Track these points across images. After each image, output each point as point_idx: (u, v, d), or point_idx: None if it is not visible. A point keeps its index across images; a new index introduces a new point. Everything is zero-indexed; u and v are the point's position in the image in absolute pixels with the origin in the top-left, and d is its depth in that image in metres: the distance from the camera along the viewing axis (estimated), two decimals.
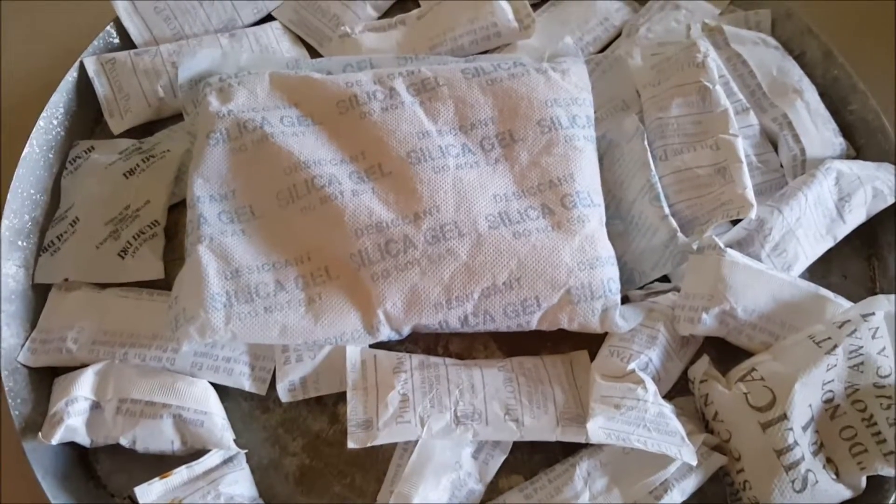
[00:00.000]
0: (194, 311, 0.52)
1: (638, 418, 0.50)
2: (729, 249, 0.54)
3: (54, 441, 0.51)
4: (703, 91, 0.60)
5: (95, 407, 0.52)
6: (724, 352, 0.56)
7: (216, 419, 0.52)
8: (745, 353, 0.55)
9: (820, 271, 0.60)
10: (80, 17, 0.74)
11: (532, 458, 0.54)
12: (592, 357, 0.55)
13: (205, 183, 0.57)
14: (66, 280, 0.58)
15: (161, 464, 0.52)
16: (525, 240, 0.54)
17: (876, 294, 0.60)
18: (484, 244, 0.53)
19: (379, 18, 0.73)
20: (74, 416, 0.52)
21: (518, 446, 0.53)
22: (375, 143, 0.57)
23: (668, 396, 0.54)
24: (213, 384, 0.55)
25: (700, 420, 0.54)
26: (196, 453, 0.52)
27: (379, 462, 0.54)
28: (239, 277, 0.53)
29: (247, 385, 0.55)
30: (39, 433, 0.51)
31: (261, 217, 0.56)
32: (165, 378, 0.53)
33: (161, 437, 0.52)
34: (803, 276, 0.58)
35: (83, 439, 0.52)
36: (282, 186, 0.56)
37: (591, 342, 0.56)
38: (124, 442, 0.52)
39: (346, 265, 0.54)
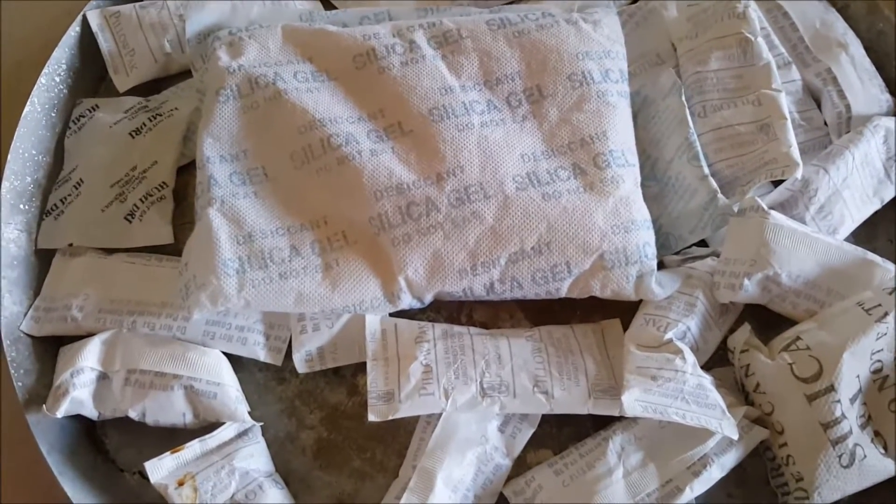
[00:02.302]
0: (205, 278, 0.49)
1: (676, 390, 0.47)
2: (772, 211, 0.51)
3: (59, 414, 0.49)
4: (745, 43, 0.57)
5: (102, 378, 0.50)
6: (766, 320, 0.53)
7: (230, 391, 0.50)
8: (787, 322, 0.52)
9: (865, 235, 0.57)
10: None
11: (562, 432, 0.51)
12: (625, 327, 0.53)
13: (215, 142, 0.54)
14: (71, 245, 0.56)
15: (172, 437, 0.50)
16: (555, 202, 0.51)
17: None
18: (511, 207, 0.50)
19: None
20: (80, 387, 0.49)
21: (547, 419, 0.51)
22: (395, 100, 0.54)
23: (705, 367, 0.51)
24: (226, 354, 0.52)
25: (740, 392, 0.51)
26: (209, 426, 0.50)
27: (400, 436, 0.51)
28: (252, 242, 0.50)
29: (261, 355, 0.52)
30: (44, 406, 0.49)
31: (274, 179, 0.53)
32: (176, 348, 0.50)
33: (172, 409, 0.49)
34: (848, 240, 0.55)
35: (90, 412, 0.50)
36: (296, 146, 0.53)
37: (623, 312, 0.53)
38: (133, 415, 0.50)
39: (364, 229, 0.51)
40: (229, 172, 0.53)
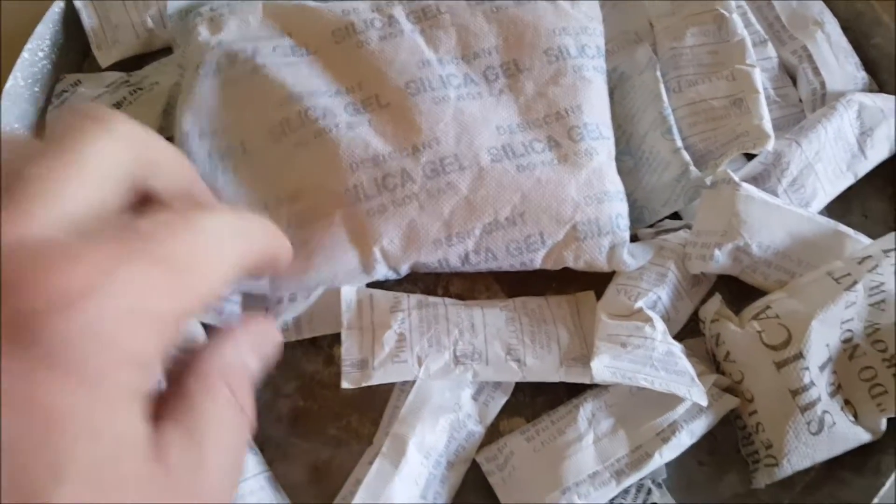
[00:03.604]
0: None
1: (645, 357, 0.48)
2: (744, 183, 0.51)
3: None
4: (720, 19, 0.57)
5: None
6: (738, 292, 0.53)
7: None
8: (760, 294, 0.52)
9: (839, 210, 0.58)
10: None
11: (535, 401, 0.52)
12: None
13: (193, 118, 0.54)
14: None
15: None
16: (529, 173, 0.51)
17: None
18: (486, 178, 0.51)
19: None
20: None
21: (520, 388, 0.51)
22: (373, 74, 0.54)
23: (677, 338, 0.52)
24: (202, 325, 0.52)
25: (711, 362, 0.52)
26: None
27: (376, 404, 0.52)
28: None
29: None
30: None
31: (252, 153, 0.53)
32: None
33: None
34: (822, 214, 0.56)
35: None
36: (274, 120, 0.53)
37: (598, 284, 0.54)
38: None
39: (339, 201, 0.51)
40: (207, 148, 0.53)
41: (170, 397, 0.28)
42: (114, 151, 0.28)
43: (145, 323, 0.25)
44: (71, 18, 0.63)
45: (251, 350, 0.33)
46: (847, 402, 0.48)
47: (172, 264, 0.26)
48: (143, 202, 0.30)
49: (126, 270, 0.25)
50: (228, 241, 0.30)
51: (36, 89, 0.61)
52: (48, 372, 0.23)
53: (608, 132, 0.54)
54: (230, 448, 0.29)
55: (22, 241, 0.24)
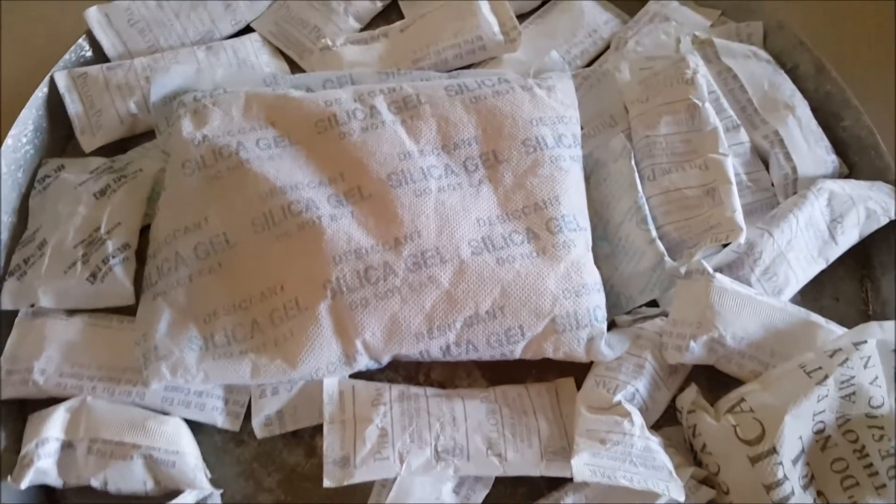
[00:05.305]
0: (168, 350, 0.50)
1: (624, 453, 0.49)
2: (718, 275, 0.52)
3: (24, 485, 0.49)
4: (692, 109, 0.59)
5: (67, 447, 0.50)
6: (715, 380, 0.54)
7: (188, 459, 0.51)
8: (736, 381, 0.53)
9: (812, 293, 0.59)
10: (53, 29, 0.72)
11: (516, 492, 0.52)
12: (579, 385, 0.54)
13: (178, 215, 0.55)
14: (33, 306, 0.56)
15: (135, 502, 0.51)
16: (509, 266, 0.52)
17: (868, 316, 0.59)
18: (466, 271, 0.52)
19: (361, 30, 0.71)
20: (45, 457, 0.50)
21: (501, 479, 0.51)
22: (355, 165, 0.55)
23: (656, 425, 0.53)
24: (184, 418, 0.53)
25: (689, 451, 0.53)
26: (171, 493, 0.50)
27: (357, 497, 0.52)
28: (216, 320, 0.52)
29: (219, 421, 0.53)
30: (9, 476, 0.49)
31: (235, 245, 0.54)
32: (136, 416, 0.51)
33: (132, 478, 0.50)
34: (794, 298, 0.57)
35: (54, 481, 0.50)
36: (257, 213, 0.54)
37: (578, 369, 0.54)
38: (95, 484, 0.50)
39: (321, 294, 0.51)
40: (194, 244, 0.54)
41: None
42: None
43: None
44: (54, 102, 0.63)
45: None
46: (819, 494, 0.49)
47: None
48: None
49: None
50: None
51: (19, 175, 0.61)
52: None
53: (585, 222, 0.55)
54: None
55: None
